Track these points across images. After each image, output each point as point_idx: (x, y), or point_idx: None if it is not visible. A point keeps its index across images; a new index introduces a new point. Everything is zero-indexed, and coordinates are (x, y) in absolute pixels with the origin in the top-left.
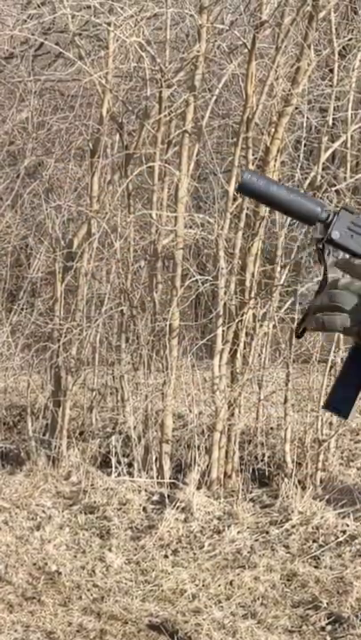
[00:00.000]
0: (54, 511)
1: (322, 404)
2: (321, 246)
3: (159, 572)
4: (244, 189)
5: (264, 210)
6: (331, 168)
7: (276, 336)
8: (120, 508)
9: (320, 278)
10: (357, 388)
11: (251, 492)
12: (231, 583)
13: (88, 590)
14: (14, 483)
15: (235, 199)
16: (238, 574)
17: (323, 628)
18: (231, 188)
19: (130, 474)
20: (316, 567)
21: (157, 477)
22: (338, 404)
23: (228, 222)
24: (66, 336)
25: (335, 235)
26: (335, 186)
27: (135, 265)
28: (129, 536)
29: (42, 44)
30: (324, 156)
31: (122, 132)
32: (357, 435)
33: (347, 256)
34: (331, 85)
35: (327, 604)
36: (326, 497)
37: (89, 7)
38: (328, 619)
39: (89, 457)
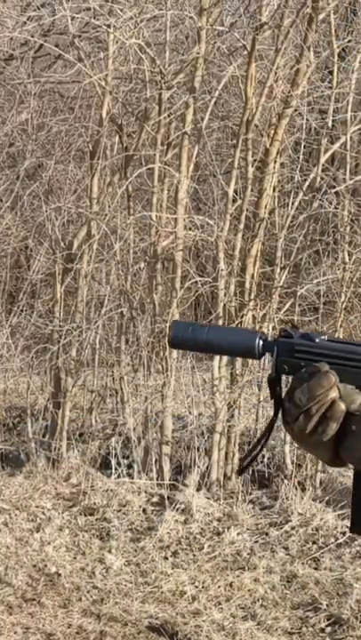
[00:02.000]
0: (54, 513)
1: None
2: (273, 382)
3: (159, 574)
4: (174, 345)
5: (264, 211)
6: (330, 170)
7: None
8: (120, 510)
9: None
10: None
11: (250, 494)
12: (231, 585)
13: (88, 592)
14: (14, 484)
15: (234, 201)
16: (238, 576)
17: (323, 630)
18: (231, 190)
19: (130, 475)
20: (315, 569)
21: (157, 479)
22: None
23: (227, 224)
24: (65, 337)
25: (282, 369)
26: (335, 187)
27: (135, 266)
28: (129, 538)
29: (41, 45)
30: (324, 158)
31: (121, 134)
32: None
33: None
34: (330, 87)
35: (327, 605)
36: (326, 498)
37: (89, 9)
38: (328, 620)
39: (89, 458)
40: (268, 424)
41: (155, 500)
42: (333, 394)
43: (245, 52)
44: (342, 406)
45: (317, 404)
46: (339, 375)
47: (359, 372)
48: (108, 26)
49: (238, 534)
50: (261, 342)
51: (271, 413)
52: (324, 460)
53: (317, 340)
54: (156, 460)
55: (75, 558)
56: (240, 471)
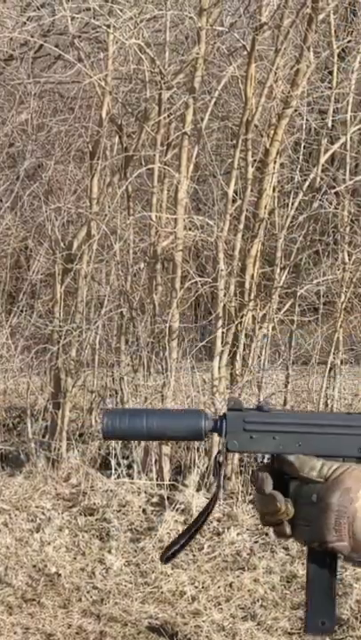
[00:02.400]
0: (54, 513)
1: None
2: (220, 460)
3: (159, 574)
4: (109, 436)
5: (263, 212)
6: (330, 170)
7: (276, 338)
8: (120, 510)
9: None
10: (332, 595)
11: (250, 494)
12: (231, 585)
13: (88, 592)
14: (14, 484)
15: (234, 201)
16: (238, 576)
17: None
18: (231, 190)
19: (129, 476)
20: None
21: (157, 479)
22: (320, 621)
23: (227, 224)
24: (65, 338)
25: (233, 445)
26: (335, 188)
27: (135, 267)
28: (128, 538)
29: (41, 46)
30: (324, 158)
31: (121, 134)
32: None
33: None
34: (330, 87)
35: None
36: None
37: (88, 9)
38: None
39: (88, 459)
40: (204, 508)
41: (154, 500)
42: (281, 516)
43: (245, 53)
44: (287, 530)
45: (269, 516)
46: (293, 443)
47: (315, 439)
48: (108, 26)
49: (238, 534)
50: (207, 423)
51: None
52: None
53: (266, 410)
54: (155, 461)
55: (75, 559)
56: (166, 559)
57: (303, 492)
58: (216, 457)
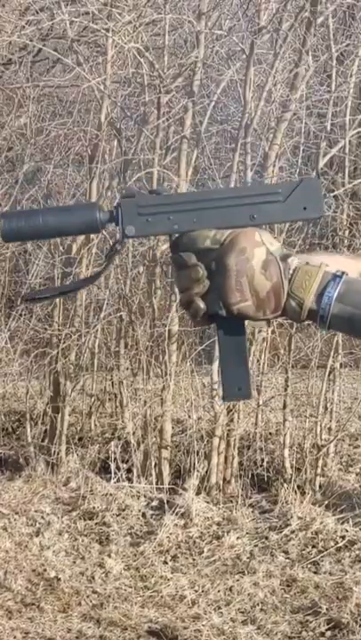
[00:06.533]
0: (53, 517)
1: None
2: (118, 247)
3: (158, 578)
4: (9, 238)
5: None
6: (329, 173)
7: (275, 341)
8: (119, 514)
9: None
10: (244, 361)
11: (250, 498)
12: (231, 589)
13: (87, 596)
14: (13, 489)
15: None
16: (238, 580)
17: (322, 634)
18: None
19: (129, 479)
20: (315, 573)
21: (156, 483)
22: (236, 387)
23: None
24: (65, 342)
25: (130, 230)
26: (334, 191)
27: (134, 270)
28: (128, 542)
29: (40, 50)
30: (323, 162)
31: (120, 138)
32: (356, 440)
33: None
34: (329, 91)
35: (327, 609)
36: (325, 502)
37: (87, 13)
38: (328, 624)
39: (88, 463)
40: (94, 274)
41: (154, 504)
42: (202, 285)
43: (244, 56)
44: (201, 305)
45: (193, 289)
46: (188, 220)
47: (208, 213)
48: (107, 30)
49: (238, 538)
50: (102, 214)
51: (270, 416)
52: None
53: (159, 193)
54: (155, 464)
55: (74, 563)
56: (28, 300)
57: (204, 264)
58: (114, 245)
